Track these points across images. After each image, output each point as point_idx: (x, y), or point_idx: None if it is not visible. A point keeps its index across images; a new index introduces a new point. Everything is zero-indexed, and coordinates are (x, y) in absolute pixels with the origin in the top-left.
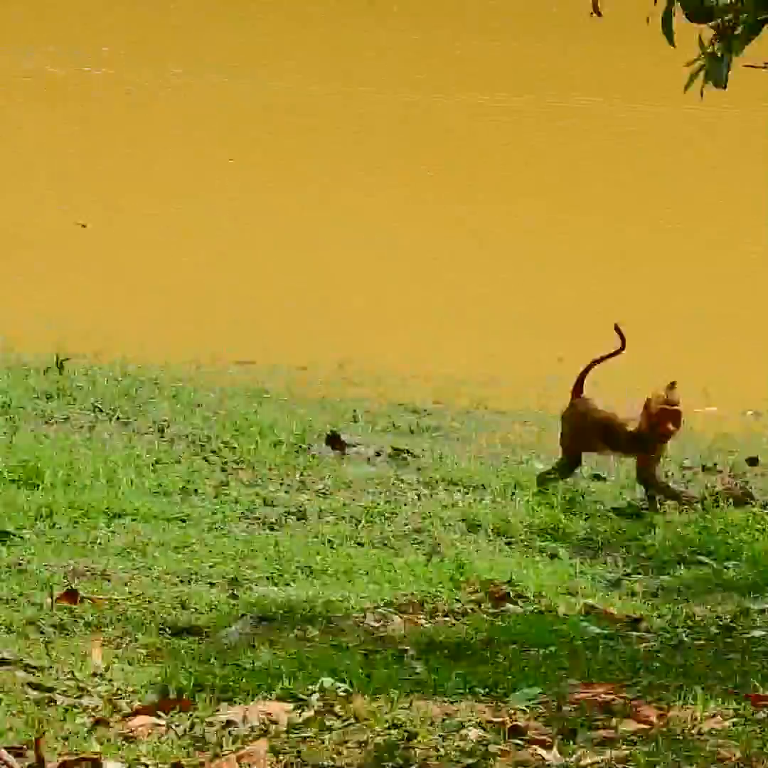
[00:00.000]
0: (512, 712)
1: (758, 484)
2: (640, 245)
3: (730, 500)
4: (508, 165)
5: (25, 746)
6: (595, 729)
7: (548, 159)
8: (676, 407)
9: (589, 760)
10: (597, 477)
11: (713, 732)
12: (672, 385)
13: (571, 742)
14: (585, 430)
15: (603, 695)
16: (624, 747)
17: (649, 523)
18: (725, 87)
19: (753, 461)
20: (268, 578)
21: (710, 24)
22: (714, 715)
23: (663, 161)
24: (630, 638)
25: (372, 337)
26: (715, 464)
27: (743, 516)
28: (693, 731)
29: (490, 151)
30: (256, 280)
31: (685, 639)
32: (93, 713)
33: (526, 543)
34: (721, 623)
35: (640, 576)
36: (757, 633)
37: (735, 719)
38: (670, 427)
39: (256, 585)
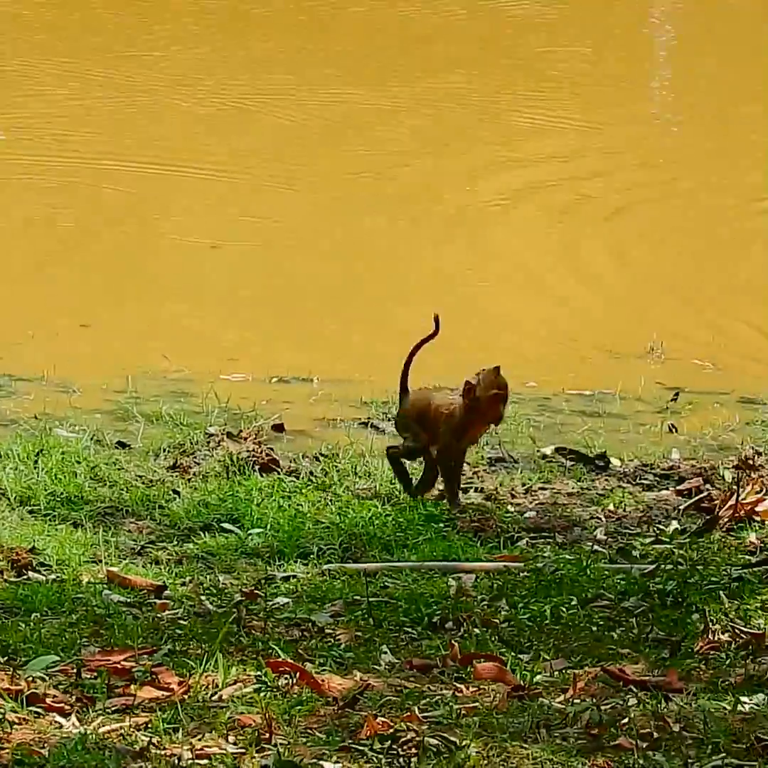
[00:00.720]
0: (30, 679)
1: (284, 451)
2: None
3: (256, 467)
4: None
5: None
6: (114, 696)
7: None
8: (470, 384)
9: (108, 728)
10: (122, 445)
11: (234, 698)
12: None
13: (90, 710)
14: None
15: (123, 662)
16: (143, 714)
17: (174, 491)
18: None
19: (278, 428)
20: None
21: None
22: (235, 682)
23: None
24: (152, 606)
25: None
26: (241, 431)
27: (269, 483)
28: (214, 698)
29: None
30: None
31: (209, 606)
32: None
33: (49, 511)
34: (245, 590)
35: (164, 544)
36: (280, 600)
37: (256, 685)
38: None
39: None
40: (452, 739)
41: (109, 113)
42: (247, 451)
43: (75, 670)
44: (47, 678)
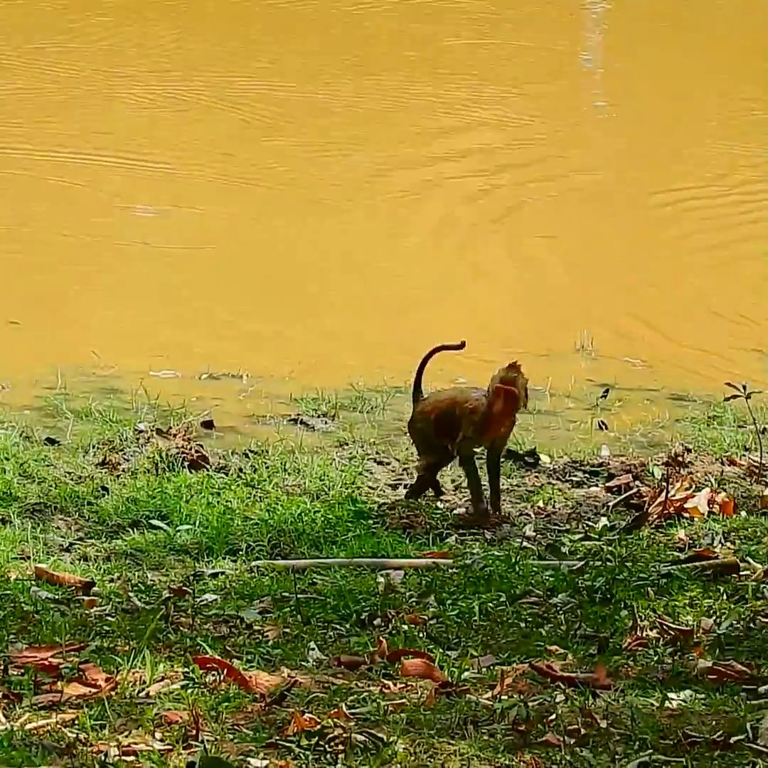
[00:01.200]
0: None
1: (214, 447)
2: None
3: (185, 463)
4: None
5: None
6: (41, 693)
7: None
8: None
9: (34, 724)
10: (51, 441)
11: (161, 695)
12: (511, 366)
13: (17, 706)
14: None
15: (50, 659)
16: (70, 710)
17: (103, 487)
18: None
19: (208, 424)
20: None
21: None
22: (163, 679)
23: None
24: (80, 602)
25: None
26: (170, 427)
27: (198, 479)
28: (141, 694)
29: None
30: None
31: (137, 603)
32: None
33: None
34: (173, 587)
35: (92, 540)
36: (208, 597)
37: (183, 682)
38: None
39: None
40: (379, 735)
41: (39, 104)
42: (177, 447)
43: (2, 667)
44: None
